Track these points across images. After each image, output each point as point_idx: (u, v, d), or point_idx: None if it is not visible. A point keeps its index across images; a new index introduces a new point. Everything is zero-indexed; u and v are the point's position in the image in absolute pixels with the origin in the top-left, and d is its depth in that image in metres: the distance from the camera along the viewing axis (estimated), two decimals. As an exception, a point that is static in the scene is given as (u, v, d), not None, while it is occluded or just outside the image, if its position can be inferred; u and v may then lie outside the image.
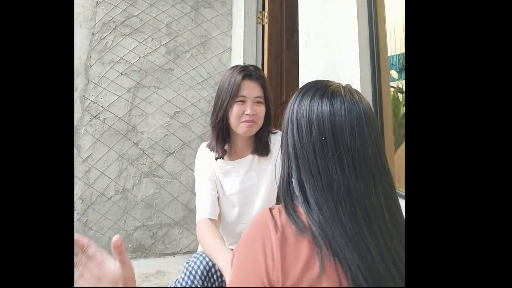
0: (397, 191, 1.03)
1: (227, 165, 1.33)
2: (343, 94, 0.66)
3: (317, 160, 0.63)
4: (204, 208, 1.29)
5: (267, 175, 1.31)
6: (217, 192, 1.34)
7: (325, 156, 0.63)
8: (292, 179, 0.67)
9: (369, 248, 0.58)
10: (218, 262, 1.08)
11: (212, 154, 1.35)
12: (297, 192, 0.65)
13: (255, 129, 1.28)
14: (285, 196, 0.67)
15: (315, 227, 0.59)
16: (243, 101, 1.25)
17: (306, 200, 0.63)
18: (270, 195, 1.29)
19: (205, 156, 1.38)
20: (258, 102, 1.27)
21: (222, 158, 1.33)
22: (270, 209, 0.65)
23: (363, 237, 0.58)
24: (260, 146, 1.32)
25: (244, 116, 1.25)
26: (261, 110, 1.28)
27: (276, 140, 1.32)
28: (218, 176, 1.34)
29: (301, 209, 0.63)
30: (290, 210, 0.63)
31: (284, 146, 0.69)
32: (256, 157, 1.32)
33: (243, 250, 0.62)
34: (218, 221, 1.30)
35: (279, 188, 0.70)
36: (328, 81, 0.71)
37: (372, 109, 0.69)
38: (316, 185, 0.62)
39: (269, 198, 1.30)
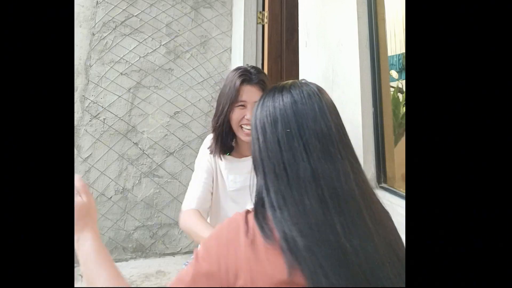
0: (397, 191, 1.03)
1: (233, 162, 1.34)
2: (299, 85, 0.68)
3: (283, 155, 0.63)
4: (192, 198, 1.30)
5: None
6: (217, 188, 1.34)
7: (290, 148, 0.63)
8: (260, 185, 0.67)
9: (337, 230, 0.57)
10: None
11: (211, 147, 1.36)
12: (264, 197, 0.64)
13: None
14: (256, 203, 0.66)
15: (280, 233, 0.58)
16: (243, 106, 1.25)
17: (271, 205, 0.62)
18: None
19: (207, 150, 1.38)
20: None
21: (229, 154, 1.34)
22: (247, 212, 0.64)
23: (331, 219, 0.58)
24: None
25: (244, 120, 1.25)
26: None
27: None
28: (222, 172, 1.35)
29: (269, 215, 0.62)
30: (259, 217, 0.62)
31: (252, 154, 0.69)
32: None
33: (211, 243, 0.62)
34: (205, 215, 1.30)
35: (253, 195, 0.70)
36: (281, 82, 0.73)
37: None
38: (281, 183, 0.62)
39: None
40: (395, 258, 0.59)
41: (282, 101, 0.66)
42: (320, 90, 0.68)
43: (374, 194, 0.65)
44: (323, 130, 0.63)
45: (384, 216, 0.65)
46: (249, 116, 1.24)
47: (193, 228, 1.18)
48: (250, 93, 1.25)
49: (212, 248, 0.61)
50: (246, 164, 1.33)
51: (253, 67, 1.33)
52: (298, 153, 0.62)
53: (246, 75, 1.26)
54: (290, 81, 0.71)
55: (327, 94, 0.69)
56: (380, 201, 0.67)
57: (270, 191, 0.63)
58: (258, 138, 0.67)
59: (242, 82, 1.25)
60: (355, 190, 0.61)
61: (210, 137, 1.40)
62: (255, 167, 0.68)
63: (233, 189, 1.33)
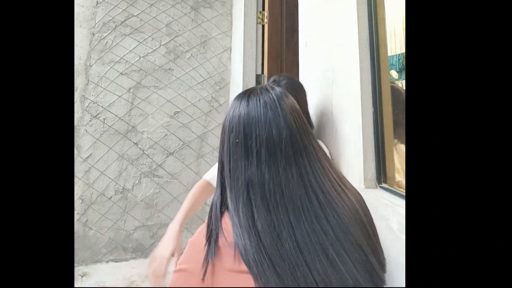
0: (397, 191, 1.03)
1: None
2: (258, 92, 0.70)
3: (230, 163, 0.67)
4: (210, 170, 1.42)
5: None
6: None
7: (236, 157, 0.66)
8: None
9: (281, 230, 0.60)
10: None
11: None
12: (219, 200, 0.69)
13: None
14: (215, 206, 0.70)
15: (232, 238, 0.62)
16: None
17: (227, 209, 0.66)
18: None
19: None
20: None
21: None
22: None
23: (275, 220, 0.60)
24: None
25: None
26: None
27: None
28: None
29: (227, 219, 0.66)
30: (214, 222, 0.66)
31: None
32: None
33: (189, 252, 0.67)
34: None
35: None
36: (255, 87, 0.75)
37: (290, 96, 0.72)
38: (229, 190, 0.66)
39: None
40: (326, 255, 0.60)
41: (238, 111, 0.68)
42: (279, 97, 0.69)
43: (334, 194, 0.66)
44: (273, 138, 0.65)
45: (333, 207, 0.66)
46: None
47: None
48: None
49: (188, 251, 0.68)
50: None
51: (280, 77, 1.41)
52: (239, 163, 0.65)
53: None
54: (258, 87, 0.73)
55: (289, 99, 0.71)
56: (349, 195, 0.68)
57: (226, 197, 0.68)
58: (221, 142, 0.71)
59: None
60: (296, 190, 0.63)
61: None
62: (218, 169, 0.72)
63: None
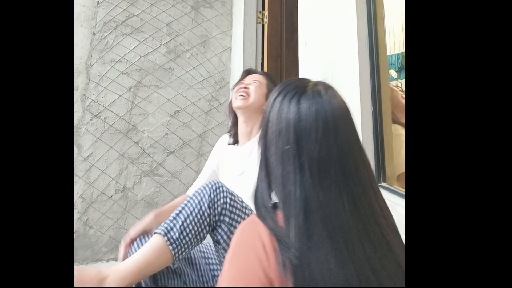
0: (397, 190, 1.03)
1: (233, 149, 1.46)
2: (311, 96, 0.63)
3: (280, 169, 0.61)
4: (194, 186, 1.50)
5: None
6: (223, 174, 1.47)
7: (287, 165, 0.60)
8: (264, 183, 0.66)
9: (326, 259, 0.55)
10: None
11: (227, 140, 1.52)
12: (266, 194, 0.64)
13: (245, 103, 1.41)
14: (260, 200, 0.65)
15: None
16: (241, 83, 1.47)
17: (265, 209, 0.62)
18: None
19: (220, 142, 1.56)
20: (254, 82, 1.45)
21: (233, 144, 1.48)
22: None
23: (320, 248, 0.55)
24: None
25: (239, 85, 1.44)
26: (255, 88, 1.43)
27: None
28: (227, 159, 1.47)
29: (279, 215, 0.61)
30: (266, 216, 0.62)
31: (260, 147, 0.67)
32: (255, 143, 1.40)
33: (236, 257, 0.60)
34: None
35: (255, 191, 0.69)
36: (302, 81, 0.67)
37: (346, 105, 0.66)
38: (283, 201, 0.60)
39: None
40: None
41: (288, 113, 0.62)
42: (334, 108, 0.62)
43: (378, 223, 0.60)
44: (323, 156, 0.59)
45: (387, 242, 0.60)
46: (244, 83, 1.45)
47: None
48: (251, 76, 1.49)
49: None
50: (244, 151, 1.42)
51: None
52: (292, 175, 0.60)
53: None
54: (310, 85, 0.65)
55: (344, 109, 0.64)
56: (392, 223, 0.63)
57: (263, 196, 0.64)
58: (266, 135, 0.65)
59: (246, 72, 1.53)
60: (349, 221, 0.57)
61: (226, 134, 1.58)
62: (262, 160, 0.66)
63: (237, 174, 1.41)
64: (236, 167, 1.42)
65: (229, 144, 1.50)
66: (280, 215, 0.61)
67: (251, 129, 1.44)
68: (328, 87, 0.66)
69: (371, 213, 0.60)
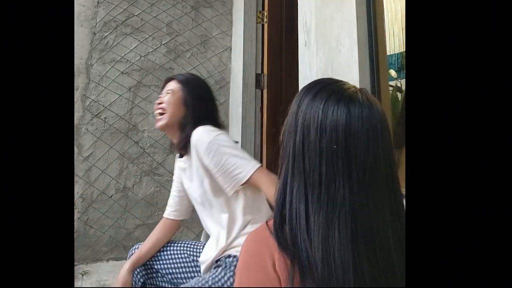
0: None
1: (181, 162, 1.40)
2: (361, 101, 0.60)
3: (321, 169, 0.58)
4: (167, 207, 1.50)
5: (194, 174, 1.32)
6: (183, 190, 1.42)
7: (333, 166, 0.57)
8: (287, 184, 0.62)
9: (362, 271, 0.54)
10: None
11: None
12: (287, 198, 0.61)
13: (163, 122, 1.31)
14: (278, 204, 0.62)
15: (294, 248, 0.56)
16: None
17: (296, 211, 0.58)
18: (204, 195, 1.30)
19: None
20: (167, 93, 1.33)
21: (181, 157, 1.38)
22: (267, 223, 0.62)
23: (359, 258, 0.54)
24: (179, 145, 1.32)
25: (157, 100, 1.35)
26: (169, 100, 1.32)
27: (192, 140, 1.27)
28: (181, 174, 1.43)
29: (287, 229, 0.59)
30: (278, 224, 0.60)
31: (285, 145, 0.64)
32: (192, 156, 1.30)
33: (244, 270, 0.60)
34: (189, 214, 1.49)
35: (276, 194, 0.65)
36: (342, 83, 0.65)
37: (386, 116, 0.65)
38: (312, 195, 0.58)
39: (203, 198, 1.31)
40: None
41: (336, 114, 0.59)
42: (379, 110, 0.61)
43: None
44: (371, 164, 0.58)
45: None
46: (158, 100, 1.34)
47: None
48: (167, 86, 1.37)
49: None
50: (186, 164, 1.36)
51: None
52: (340, 177, 0.57)
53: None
54: (351, 89, 0.63)
55: (384, 113, 0.63)
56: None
57: (295, 196, 0.59)
58: (296, 133, 0.62)
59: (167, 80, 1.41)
60: (389, 236, 0.57)
61: None
62: (287, 159, 0.62)
63: (187, 187, 1.41)
64: (187, 175, 1.38)
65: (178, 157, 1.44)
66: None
67: (179, 142, 1.34)
68: (372, 96, 0.65)
69: (401, 230, 0.59)
